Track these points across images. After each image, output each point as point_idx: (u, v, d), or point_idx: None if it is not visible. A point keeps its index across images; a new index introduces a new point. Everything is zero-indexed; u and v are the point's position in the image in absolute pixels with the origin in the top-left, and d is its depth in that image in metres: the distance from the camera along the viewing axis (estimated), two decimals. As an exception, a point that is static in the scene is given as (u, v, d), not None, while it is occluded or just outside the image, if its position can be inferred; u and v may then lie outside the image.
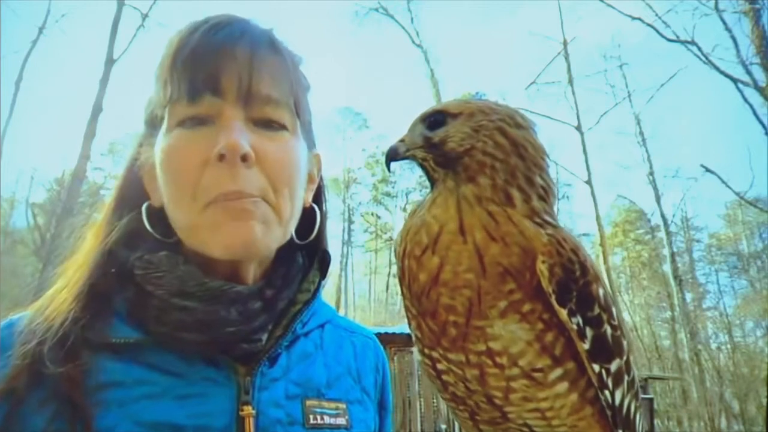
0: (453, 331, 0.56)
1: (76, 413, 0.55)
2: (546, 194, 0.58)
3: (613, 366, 0.57)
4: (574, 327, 0.54)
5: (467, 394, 0.58)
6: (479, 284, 0.54)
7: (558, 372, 0.54)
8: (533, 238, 0.55)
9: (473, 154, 0.58)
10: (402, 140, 0.64)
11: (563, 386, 0.55)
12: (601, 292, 0.57)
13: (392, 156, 0.64)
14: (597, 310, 0.56)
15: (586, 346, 0.55)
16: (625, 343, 0.59)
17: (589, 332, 0.55)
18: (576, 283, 0.55)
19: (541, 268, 0.54)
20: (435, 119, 0.62)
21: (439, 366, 0.59)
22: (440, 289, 0.55)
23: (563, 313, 0.54)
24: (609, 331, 0.57)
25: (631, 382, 0.60)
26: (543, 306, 0.54)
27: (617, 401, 0.58)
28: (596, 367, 0.55)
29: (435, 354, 0.59)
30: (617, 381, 0.57)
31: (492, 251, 0.54)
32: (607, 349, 0.56)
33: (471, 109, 0.61)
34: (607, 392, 0.56)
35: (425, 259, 0.56)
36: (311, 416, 0.65)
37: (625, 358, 0.59)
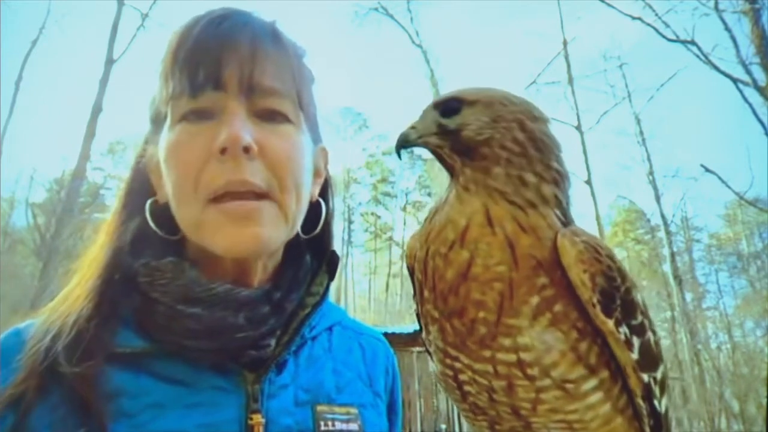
0: (482, 330, 0.53)
1: (90, 419, 0.54)
2: (561, 179, 0.57)
3: (659, 373, 0.55)
4: (622, 337, 0.51)
5: (490, 404, 0.55)
6: (511, 277, 0.51)
7: (593, 382, 0.52)
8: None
9: (491, 145, 0.56)
10: (413, 127, 0.60)
11: (597, 396, 0.52)
12: (639, 297, 0.55)
13: (403, 142, 0.61)
14: (640, 318, 0.54)
15: (635, 356, 0.52)
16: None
17: (636, 341, 0.52)
18: (618, 290, 0.52)
19: (583, 277, 0.51)
20: (449, 106, 0.59)
21: (462, 377, 0.56)
22: (470, 284, 0.53)
23: (609, 324, 0.51)
24: (652, 337, 0.55)
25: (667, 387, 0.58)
26: (578, 313, 0.52)
27: (663, 409, 0.55)
28: (645, 377, 0.53)
29: (458, 365, 0.56)
30: (663, 388, 0.55)
31: (523, 242, 0.52)
32: (652, 356, 0.54)
33: (489, 98, 0.58)
34: (655, 401, 0.54)
35: (453, 255, 0.53)
36: (322, 422, 0.63)
37: (663, 362, 0.57)
